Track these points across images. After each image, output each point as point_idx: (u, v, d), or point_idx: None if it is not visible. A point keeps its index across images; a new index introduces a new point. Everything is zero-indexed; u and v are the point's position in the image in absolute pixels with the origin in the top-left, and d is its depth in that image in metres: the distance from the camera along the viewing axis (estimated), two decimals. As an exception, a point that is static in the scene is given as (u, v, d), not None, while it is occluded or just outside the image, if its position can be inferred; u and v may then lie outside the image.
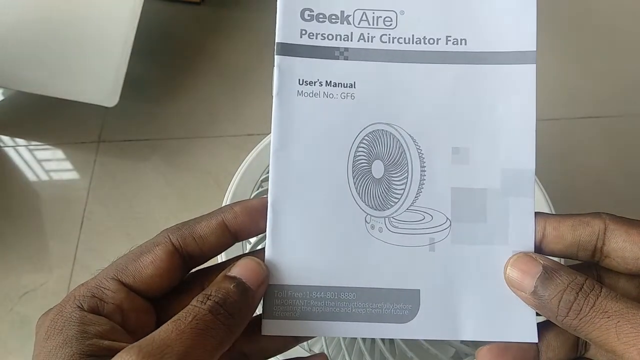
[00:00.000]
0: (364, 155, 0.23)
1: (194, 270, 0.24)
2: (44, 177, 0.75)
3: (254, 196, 0.46)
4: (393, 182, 0.23)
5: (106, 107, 0.71)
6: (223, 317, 0.20)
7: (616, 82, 0.82)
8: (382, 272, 0.23)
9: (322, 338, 0.40)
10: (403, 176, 0.23)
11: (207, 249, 0.23)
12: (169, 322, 0.19)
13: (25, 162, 0.76)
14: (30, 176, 0.75)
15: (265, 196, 0.23)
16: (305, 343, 0.40)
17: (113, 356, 0.18)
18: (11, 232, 0.69)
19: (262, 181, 0.49)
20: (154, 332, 0.19)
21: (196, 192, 0.73)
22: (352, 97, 0.23)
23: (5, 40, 0.71)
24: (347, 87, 0.23)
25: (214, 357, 0.19)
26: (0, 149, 0.77)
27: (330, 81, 0.23)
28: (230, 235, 0.23)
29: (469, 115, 0.23)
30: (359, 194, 0.23)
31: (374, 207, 0.23)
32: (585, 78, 0.83)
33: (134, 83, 0.74)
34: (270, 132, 0.23)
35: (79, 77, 0.71)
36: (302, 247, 0.23)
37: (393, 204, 0.23)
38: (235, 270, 0.22)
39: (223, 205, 0.45)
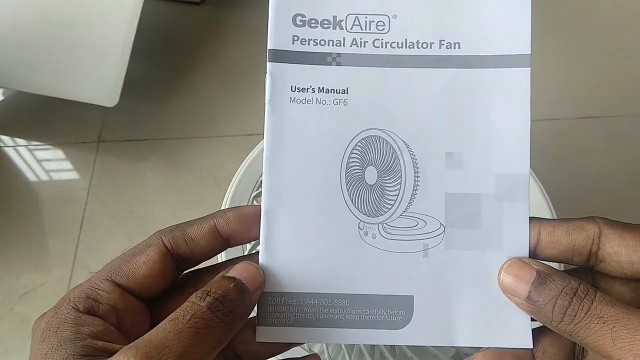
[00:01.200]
0: (357, 162, 0.23)
1: (187, 271, 0.24)
2: (44, 177, 0.76)
3: (254, 196, 0.46)
4: (386, 188, 0.23)
5: (106, 107, 0.71)
6: (222, 314, 0.20)
7: (617, 82, 0.82)
8: (376, 278, 0.23)
9: (322, 338, 0.40)
10: (396, 182, 0.23)
11: (197, 252, 0.23)
12: (166, 320, 0.19)
13: (25, 162, 0.76)
14: (30, 176, 0.75)
15: (258, 204, 0.23)
16: (305, 343, 0.40)
17: (107, 357, 0.18)
18: (11, 232, 0.69)
19: (262, 181, 0.48)
20: (151, 332, 0.19)
21: (196, 192, 0.73)
22: (345, 103, 0.23)
23: (5, 40, 0.71)
24: (339, 93, 0.23)
25: (211, 356, 0.19)
26: (0, 149, 0.77)
27: (323, 87, 0.23)
28: (222, 240, 0.23)
29: (462, 119, 0.23)
30: (352, 200, 0.23)
31: (367, 213, 0.23)
32: (585, 78, 0.83)
33: (134, 83, 0.74)
34: (264, 139, 0.23)
35: (79, 77, 0.71)
36: (295, 254, 0.23)
37: (386, 210, 0.23)
38: (234, 272, 0.22)
39: (222, 205, 0.45)
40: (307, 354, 0.24)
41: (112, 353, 0.18)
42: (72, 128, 0.78)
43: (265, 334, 0.23)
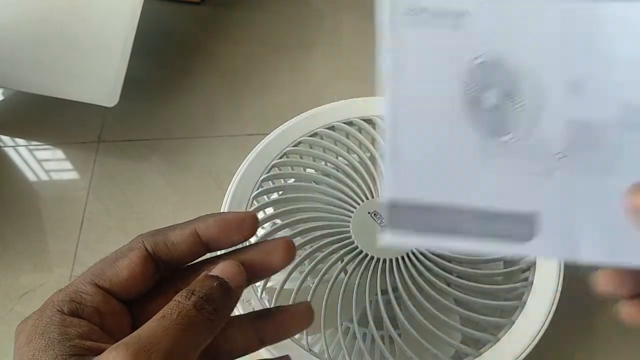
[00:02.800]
0: (476, 85, 0.23)
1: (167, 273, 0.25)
2: (44, 177, 0.76)
3: (254, 196, 0.46)
4: (507, 112, 0.23)
5: (106, 107, 0.71)
6: (207, 312, 0.20)
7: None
8: (500, 195, 0.23)
9: (322, 338, 0.40)
10: (516, 107, 0.23)
11: (177, 256, 0.24)
12: (153, 319, 0.20)
13: (25, 162, 0.76)
14: (30, 176, 0.75)
15: (257, 205, 0.24)
16: (305, 343, 0.40)
17: (95, 356, 0.19)
18: (11, 232, 0.69)
19: (262, 181, 0.49)
20: (139, 330, 0.19)
21: (196, 192, 0.73)
22: (464, 26, 0.22)
23: (5, 40, 0.71)
24: (458, 15, 0.22)
25: (197, 351, 0.20)
26: (0, 149, 0.77)
27: (441, 8, 0.22)
28: (202, 245, 0.24)
29: (588, 48, 0.22)
30: (472, 122, 0.23)
31: (488, 135, 0.23)
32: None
33: (134, 83, 0.74)
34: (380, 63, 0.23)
35: (79, 77, 0.71)
36: (419, 166, 0.23)
37: (508, 132, 0.23)
38: (217, 271, 0.22)
39: (222, 205, 0.45)
40: (279, 355, 0.25)
41: (100, 352, 0.19)
42: (72, 128, 0.78)
43: (391, 237, 0.23)
